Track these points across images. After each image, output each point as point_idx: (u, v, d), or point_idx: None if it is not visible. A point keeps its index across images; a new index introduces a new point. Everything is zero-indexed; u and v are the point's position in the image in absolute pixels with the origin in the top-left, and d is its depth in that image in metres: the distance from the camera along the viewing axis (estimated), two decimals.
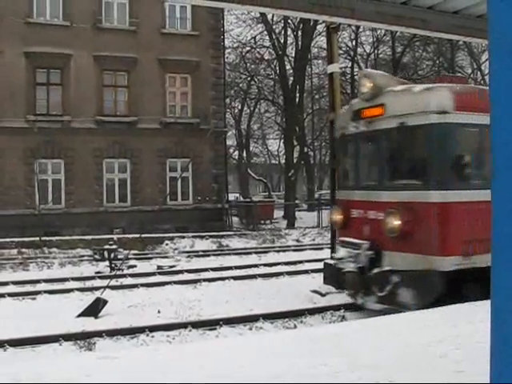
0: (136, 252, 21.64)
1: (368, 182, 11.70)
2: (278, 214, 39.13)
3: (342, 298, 12.24)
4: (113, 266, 17.75)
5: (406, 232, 10.02)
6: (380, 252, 10.58)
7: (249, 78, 46.42)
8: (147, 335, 10.19)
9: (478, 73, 44.84)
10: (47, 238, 25.03)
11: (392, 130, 10.63)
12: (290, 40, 41.33)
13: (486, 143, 10.31)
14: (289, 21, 38.89)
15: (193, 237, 26.55)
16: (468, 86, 11.07)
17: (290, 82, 40.34)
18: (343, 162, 13.07)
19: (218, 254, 22.76)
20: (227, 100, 40.50)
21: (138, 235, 23.78)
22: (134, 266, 18.44)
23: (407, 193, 10.30)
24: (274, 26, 39.86)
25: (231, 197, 40.31)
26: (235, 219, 35.55)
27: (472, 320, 7.27)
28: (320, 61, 44.34)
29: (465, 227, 9.73)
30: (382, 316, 8.11)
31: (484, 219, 9.23)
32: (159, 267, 18.87)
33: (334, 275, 11.81)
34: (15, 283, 15.61)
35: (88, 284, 15.49)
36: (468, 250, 9.66)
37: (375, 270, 10.49)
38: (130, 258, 18.80)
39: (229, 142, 45.87)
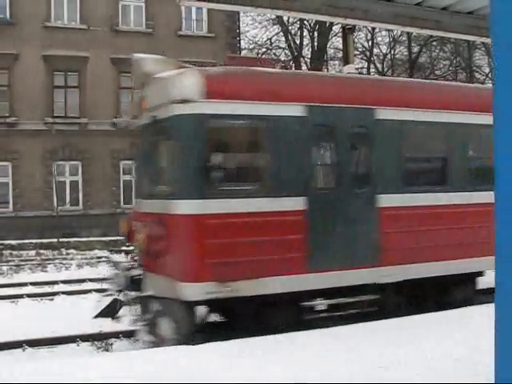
0: None
1: (141, 189, 9.79)
2: None
3: None
4: None
5: (153, 250, 8.15)
6: (145, 273, 8.67)
7: None
8: None
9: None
10: (65, 240, 25.27)
11: (148, 126, 8.86)
12: (305, 41, 41.10)
13: (254, 138, 8.82)
14: (305, 22, 38.67)
15: None
16: (240, 68, 9.03)
17: None
18: None
19: None
20: None
21: None
22: None
23: (157, 202, 8.53)
24: (289, 27, 39.72)
25: None
26: None
27: (485, 322, 7.21)
28: (336, 61, 44.01)
29: (220, 246, 7.77)
30: (393, 318, 8.06)
31: (248, 236, 7.91)
32: None
33: None
34: (33, 284, 15.74)
35: (105, 285, 15.55)
36: (226, 275, 7.68)
37: (131, 295, 8.74)
38: None
39: None
